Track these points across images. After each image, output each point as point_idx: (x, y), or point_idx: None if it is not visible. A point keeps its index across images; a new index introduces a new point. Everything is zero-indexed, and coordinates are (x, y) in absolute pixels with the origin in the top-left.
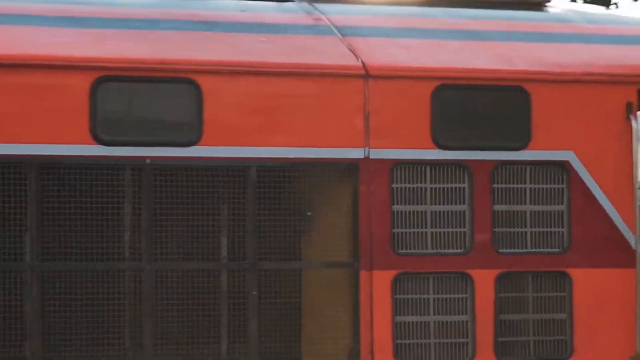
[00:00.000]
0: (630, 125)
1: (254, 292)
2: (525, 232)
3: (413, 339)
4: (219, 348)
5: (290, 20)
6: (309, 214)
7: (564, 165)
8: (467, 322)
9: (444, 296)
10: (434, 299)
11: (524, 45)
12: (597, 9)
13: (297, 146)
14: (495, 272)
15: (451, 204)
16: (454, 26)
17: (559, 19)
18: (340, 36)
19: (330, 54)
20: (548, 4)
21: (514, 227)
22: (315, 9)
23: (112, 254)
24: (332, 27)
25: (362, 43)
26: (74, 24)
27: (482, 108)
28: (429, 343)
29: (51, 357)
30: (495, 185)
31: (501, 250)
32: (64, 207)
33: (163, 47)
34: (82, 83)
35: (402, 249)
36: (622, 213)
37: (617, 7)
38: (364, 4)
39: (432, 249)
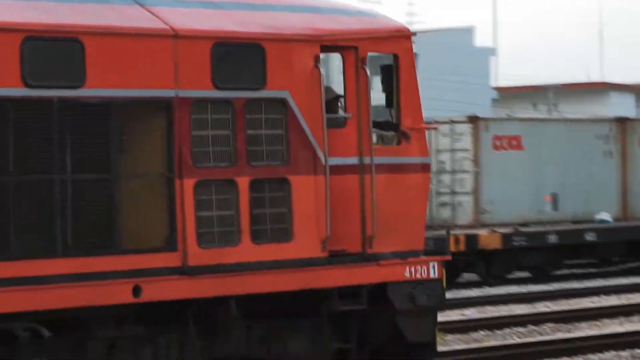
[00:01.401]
0: (319, 71)
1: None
2: (263, 151)
3: (206, 228)
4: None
5: None
6: (123, 137)
7: (284, 101)
8: (233, 215)
9: (221, 197)
10: (215, 199)
11: (248, 14)
12: None
13: (134, 88)
14: (248, 179)
15: (222, 130)
16: None
17: None
18: (140, 6)
19: (146, 19)
20: None
21: (258, 147)
22: None
23: None
24: None
25: (159, 12)
26: None
27: (237, 61)
28: (214, 232)
29: None
30: (248, 116)
31: (252, 163)
32: None
33: None
34: None
35: (198, 163)
36: (315, 136)
37: None
38: None
39: (213, 162)
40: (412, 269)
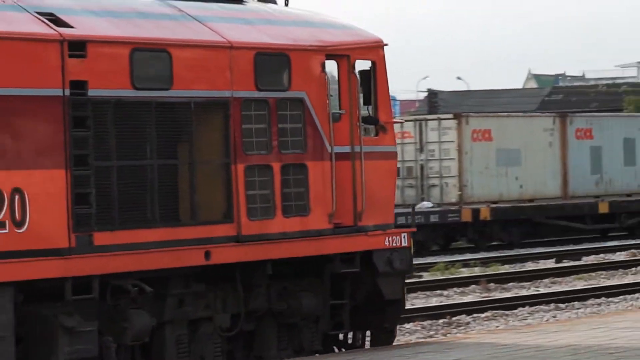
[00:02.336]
0: (325, 76)
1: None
2: (289, 141)
3: (253, 204)
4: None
5: (170, 12)
6: (181, 130)
7: (302, 100)
8: (269, 193)
9: (262, 179)
10: (258, 180)
11: (270, 28)
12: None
13: (205, 89)
14: (280, 164)
15: (261, 124)
16: (236, 15)
17: (266, 10)
18: (199, 22)
19: (210, 33)
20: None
21: (285, 137)
22: (170, 5)
23: None
24: (190, 15)
25: (214, 27)
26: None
27: (272, 68)
28: (257, 207)
29: None
30: (279, 112)
31: (282, 151)
32: None
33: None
34: None
35: (246, 151)
36: (324, 129)
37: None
38: None
39: (256, 150)
40: (390, 239)
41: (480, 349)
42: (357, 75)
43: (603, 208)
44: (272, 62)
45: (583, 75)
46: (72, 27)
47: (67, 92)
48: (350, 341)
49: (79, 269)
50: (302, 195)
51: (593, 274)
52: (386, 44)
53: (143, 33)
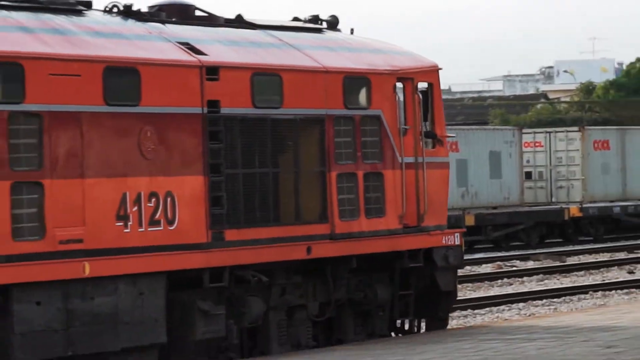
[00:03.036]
0: (396, 96)
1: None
2: (369, 152)
3: (342, 207)
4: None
5: (273, 41)
6: (289, 143)
7: (379, 117)
8: (354, 197)
9: (349, 184)
10: (346, 186)
11: (350, 54)
12: (338, 33)
13: (307, 108)
14: (362, 172)
15: (348, 137)
16: (322, 43)
17: (342, 39)
18: (296, 50)
19: (308, 59)
20: (324, 29)
21: (367, 149)
22: (271, 34)
23: None
24: (288, 44)
25: (309, 53)
26: None
27: (356, 89)
28: (346, 209)
29: None
30: (362, 127)
31: (364, 161)
32: None
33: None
34: None
35: (337, 161)
36: (395, 142)
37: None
38: (276, 27)
39: (344, 160)
40: (446, 238)
41: None
42: (420, 95)
43: (469, 220)
44: (357, 84)
45: (449, 89)
46: (205, 54)
47: (205, 110)
48: (407, 328)
49: (215, 261)
50: (379, 199)
51: (459, 286)
52: (441, 68)
53: (259, 60)
